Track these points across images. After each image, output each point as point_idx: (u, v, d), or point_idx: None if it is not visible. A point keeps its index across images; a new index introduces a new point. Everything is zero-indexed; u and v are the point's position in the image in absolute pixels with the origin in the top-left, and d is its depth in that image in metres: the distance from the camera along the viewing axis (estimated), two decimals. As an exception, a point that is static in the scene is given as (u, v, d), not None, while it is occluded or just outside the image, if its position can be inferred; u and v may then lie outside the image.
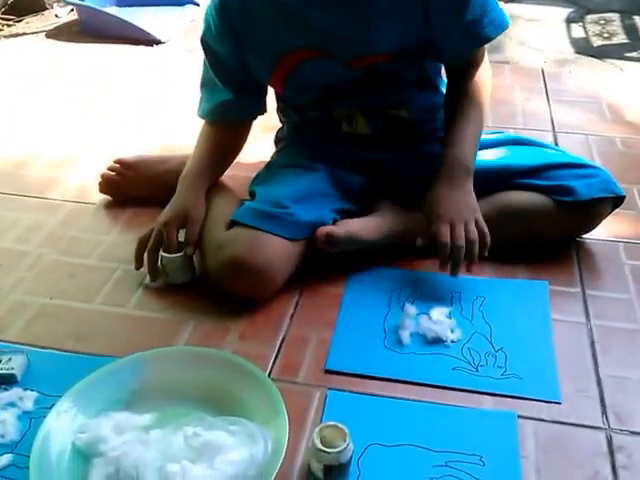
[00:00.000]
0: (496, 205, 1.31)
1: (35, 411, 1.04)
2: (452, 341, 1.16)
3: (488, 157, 1.38)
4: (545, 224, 1.32)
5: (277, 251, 1.22)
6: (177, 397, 1.04)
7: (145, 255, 1.30)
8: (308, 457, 0.94)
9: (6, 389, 1.08)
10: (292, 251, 1.25)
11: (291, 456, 0.95)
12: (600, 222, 1.35)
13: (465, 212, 1.21)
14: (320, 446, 0.90)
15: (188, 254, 1.29)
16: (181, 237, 1.31)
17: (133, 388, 1.05)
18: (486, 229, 1.20)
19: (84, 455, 0.95)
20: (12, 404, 1.05)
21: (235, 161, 1.48)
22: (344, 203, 1.36)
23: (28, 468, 0.94)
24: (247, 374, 1.05)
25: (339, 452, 0.90)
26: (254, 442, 0.89)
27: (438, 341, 1.16)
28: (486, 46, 1.31)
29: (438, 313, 1.19)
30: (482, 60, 1.33)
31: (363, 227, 1.30)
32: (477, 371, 1.10)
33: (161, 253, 1.28)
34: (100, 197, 1.63)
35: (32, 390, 1.08)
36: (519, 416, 1.03)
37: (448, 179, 1.24)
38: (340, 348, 1.16)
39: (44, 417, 1.00)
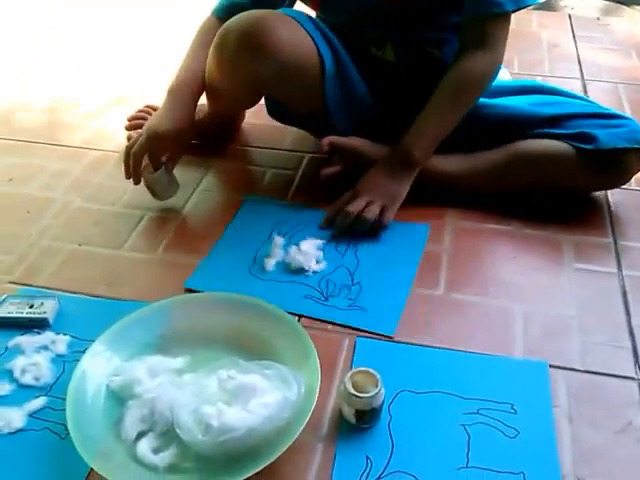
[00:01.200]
0: (511, 152, 1.29)
1: (68, 355, 1.05)
2: (314, 272, 1.19)
3: (510, 103, 1.35)
4: (563, 173, 1.27)
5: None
6: (207, 342, 1.04)
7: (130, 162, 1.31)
8: (339, 402, 0.95)
9: (39, 333, 1.09)
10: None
11: (322, 401, 0.95)
12: (630, 177, 1.29)
13: (380, 195, 1.24)
14: (352, 391, 0.91)
15: (168, 170, 1.31)
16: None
17: (164, 333, 1.05)
18: (386, 221, 1.25)
19: (118, 397, 0.96)
20: (45, 347, 1.06)
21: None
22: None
23: (63, 410, 0.95)
24: (277, 319, 1.05)
25: (371, 397, 0.91)
26: (288, 385, 0.89)
27: (300, 271, 1.19)
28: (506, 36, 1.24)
29: (308, 245, 1.22)
30: (489, 46, 1.23)
31: (365, 144, 1.34)
32: (326, 301, 1.14)
33: (143, 174, 1.29)
34: (123, 144, 1.62)
35: (64, 334, 1.08)
36: (551, 365, 1.02)
37: (386, 164, 1.27)
38: (206, 270, 1.21)
39: (78, 360, 1.01)
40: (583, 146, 1.23)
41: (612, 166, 1.25)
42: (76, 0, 2.28)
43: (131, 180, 1.33)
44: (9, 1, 2.15)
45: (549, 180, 1.29)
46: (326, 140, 1.30)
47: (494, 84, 1.30)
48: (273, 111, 1.48)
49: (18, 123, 1.78)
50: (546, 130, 1.28)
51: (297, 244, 1.23)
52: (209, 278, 1.19)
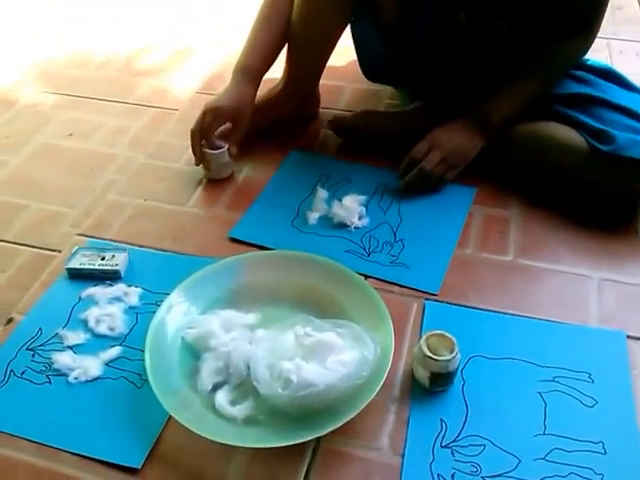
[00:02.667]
0: (533, 129, 1.24)
1: (141, 306, 1.06)
2: (356, 227, 1.19)
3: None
4: (576, 168, 1.18)
5: None
6: (277, 300, 1.04)
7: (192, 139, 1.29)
8: (413, 364, 0.94)
9: (111, 284, 1.09)
10: None
11: (393, 362, 0.94)
12: None
13: (452, 153, 1.24)
14: (429, 353, 0.90)
15: (232, 154, 1.30)
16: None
17: (234, 289, 1.05)
18: (451, 178, 1.26)
19: (193, 349, 0.96)
20: (118, 299, 1.07)
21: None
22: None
23: (138, 360, 0.96)
24: (347, 280, 1.04)
25: (448, 360, 0.90)
26: (364, 344, 0.89)
27: (342, 226, 1.19)
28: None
29: (351, 200, 1.22)
30: (591, 31, 1.23)
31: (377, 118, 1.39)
32: (368, 256, 1.14)
33: (203, 149, 1.28)
34: (183, 102, 1.62)
35: (136, 286, 1.09)
36: (628, 336, 1.00)
37: (465, 122, 1.26)
38: (250, 220, 1.22)
39: (150, 312, 1.02)
40: (598, 145, 1.14)
41: (627, 175, 1.13)
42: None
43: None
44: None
45: (554, 167, 1.22)
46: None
47: None
48: (368, 67, 1.44)
49: (71, 79, 1.78)
50: (573, 113, 1.21)
51: (340, 199, 1.22)
52: (252, 229, 1.20)
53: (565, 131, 1.20)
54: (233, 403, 0.89)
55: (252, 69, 1.30)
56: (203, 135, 1.28)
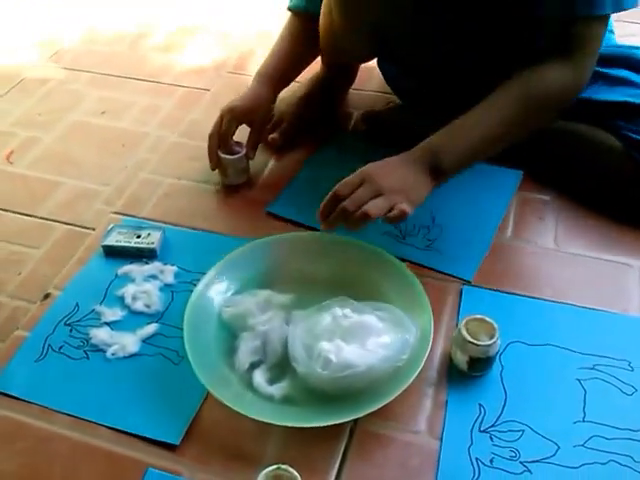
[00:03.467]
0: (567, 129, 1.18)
1: (176, 285, 1.06)
2: None
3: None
4: (614, 174, 1.13)
5: None
6: (313, 281, 1.03)
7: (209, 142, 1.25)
8: (451, 348, 0.94)
9: (147, 262, 1.10)
10: None
11: (431, 346, 0.93)
12: None
13: (389, 187, 0.93)
14: (469, 338, 0.89)
15: (250, 158, 1.26)
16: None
17: (269, 269, 1.05)
18: (399, 214, 0.92)
19: (229, 328, 0.96)
20: (154, 277, 1.07)
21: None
22: None
23: (175, 337, 0.96)
24: (385, 263, 1.03)
25: (488, 345, 0.89)
26: (404, 327, 0.88)
27: None
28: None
29: None
30: (576, 57, 0.98)
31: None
32: (404, 239, 1.12)
33: (220, 153, 1.24)
34: (215, 83, 1.61)
35: (172, 265, 1.09)
36: (668, 325, 0.99)
37: (410, 156, 0.99)
38: (287, 198, 1.22)
39: (186, 291, 1.02)
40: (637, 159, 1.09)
41: None
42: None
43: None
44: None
45: (604, 179, 1.16)
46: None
47: None
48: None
49: (103, 57, 1.77)
50: (612, 121, 1.13)
51: None
52: (290, 205, 1.20)
53: (604, 137, 1.15)
54: (270, 382, 0.90)
55: (268, 74, 1.29)
56: (221, 139, 1.24)
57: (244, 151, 1.25)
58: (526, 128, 1.03)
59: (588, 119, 1.17)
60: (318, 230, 1.07)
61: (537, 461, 0.84)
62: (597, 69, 1.11)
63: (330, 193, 0.96)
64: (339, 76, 1.45)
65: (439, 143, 0.99)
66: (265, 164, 1.33)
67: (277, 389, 0.88)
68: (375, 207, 0.91)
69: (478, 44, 1.10)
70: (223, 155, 1.24)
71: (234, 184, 1.27)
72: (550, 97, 1.00)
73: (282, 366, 0.91)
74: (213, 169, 1.26)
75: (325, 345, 0.86)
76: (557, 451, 0.84)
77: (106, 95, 1.62)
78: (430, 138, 1.00)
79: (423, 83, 1.27)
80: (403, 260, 1.07)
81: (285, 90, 1.35)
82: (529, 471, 0.83)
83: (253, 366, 0.92)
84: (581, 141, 1.18)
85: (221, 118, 1.24)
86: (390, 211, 0.92)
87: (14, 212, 1.27)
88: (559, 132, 1.19)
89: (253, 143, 1.27)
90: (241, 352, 0.91)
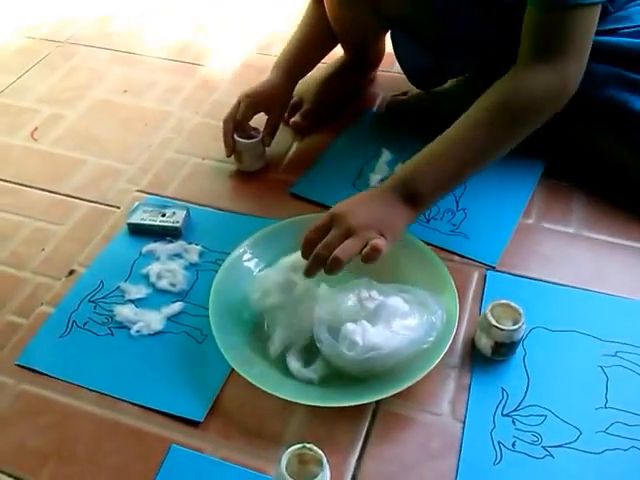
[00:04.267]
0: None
1: (201, 264, 1.07)
2: None
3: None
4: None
5: None
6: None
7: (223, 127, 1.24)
8: (476, 332, 0.94)
9: (171, 241, 1.10)
10: None
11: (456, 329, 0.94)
12: None
13: (358, 224, 0.87)
14: (494, 322, 0.89)
15: (266, 144, 1.25)
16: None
17: (296, 250, 1.04)
18: (373, 252, 0.85)
19: (253, 308, 0.96)
20: (179, 255, 1.08)
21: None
22: None
23: (199, 316, 0.97)
24: (410, 246, 1.03)
25: (513, 330, 0.89)
26: (430, 309, 0.88)
27: None
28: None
29: None
30: (561, 57, 0.90)
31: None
32: (428, 223, 1.13)
33: (236, 137, 1.23)
34: (239, 64, 1.61)
35: (196, 244, 1.09)
36: (693, 315, 0.98)
37: (379, 189, 0.95)
38: (312, 178, 1.23)
39: (210, 270, 1.03)
40: None
41: None
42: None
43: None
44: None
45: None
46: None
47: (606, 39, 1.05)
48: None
49: (125, 36, 1.77)
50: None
51: (404, 162, 1.19)
52: (313, 186, 1.20)
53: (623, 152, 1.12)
54: (305, 365, 0.90)
55: (286, 62, 1.29)
56: (237, 124, 1.23)
57: (260, 136, 1.24)
58: (508, 144, 0.95)
59: (602, 124, 1.14)
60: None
61: (559, 446, 0.84)
62: (625, 73, 1.08)
63: (301, 240, 0.90)
64: (360, 59, 1.44)
65: (411, 170, 0.94)
66: (289, 147, 1.33)
67: (312, 372, 0.88)
68: (344, 251, 0.85)
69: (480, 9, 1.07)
70: (239, 139, 1.23)
71: (250, 170, 1.26)
72: (534, 105, 0.92)
73: (311, 347, 0.91)
74: (229, 155, 1.24)
75: (351, 327, 0.86)
76: (579, 437, 0.85)
77: (128, 73, 1.63)
78: (399, 168, 0.98)
79: (435, 58, 1.23)
80: (427, 244, 1.07)
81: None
82: (551, 455, 0.83)
83: (286, 349, 0.92)
84: (601, 155, 1.16)
85: (238, 103, 1.24)
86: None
87: (38, 189, 1.28)
88: (581, 139, 1.18)
89: (270, 129, 1.26)
90: (275, 338, 0.91)
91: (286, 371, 0.89)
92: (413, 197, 0.92)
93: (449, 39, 1.16)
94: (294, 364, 0.89)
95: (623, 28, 1.10)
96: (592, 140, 1.17)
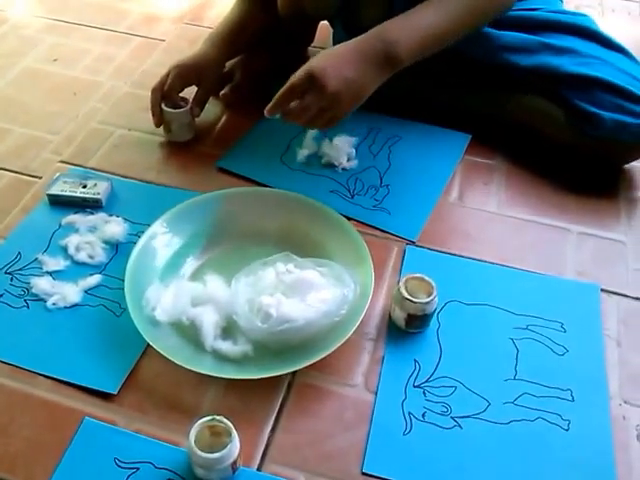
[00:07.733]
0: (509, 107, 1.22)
1: (121, 236, 1.05)
2: (343, 168, 1.19)
3: (530, 45, 1.17)
4: (559, 139, 1.19)
5: None
6: (259, 236, 1.03)
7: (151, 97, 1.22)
8: (391, 305, 0.95)
9: (92, 213, 1.09)
10: None
11: (371, 303, 0.95)
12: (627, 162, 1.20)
13: (334, 92, 0.96)
14: (407, 295, 0.91)
15: (195, 115, 1.24)
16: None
17: (217, 223, 1.05)
18: (331, 126, 1.03)
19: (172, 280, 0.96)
20: (98, 227, 1.06)
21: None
22: None
23: (118, 289, 0.96)
24: (330, 221, 1.04)
25: (426, 303, 0.91)
26: (344, 283, 0.90)
27: (330, 165, 1.19)
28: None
29: (341, 141, 1.20)
30: None
31: None
32: (352, 198, 1.14)
33: (164, 107, 1.21)
34: (171, 34, 1.58)
35: (117, 216, 1.08)
36: (601, 289, 1.01)
37: (361, 45, 0.99)
38: (239, 151, 1.22)
39: (131, 243, 1.02)
40: (585, 130, 1.12)
41: (612, 153, 1.17)
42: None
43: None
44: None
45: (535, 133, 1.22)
46: None
47: (529, 14, 1.17)
48: None
49: (59, 3, 1.72)
50: (561, 91, 1.14)
51: (331, 138, 1.21)
52: (241, 161, 1.20)
53: (547, 106, 1.18)
54: (217, 337, 0.90)
55: (219, 35, 1.26)
56: (165, 95, 1.21)
57: (189, 106, 1.22)
58: (468, 29, 1.05)
59: (534, 88, 1.19)
60: (268, 187, 1.09)
61: (467, 416, 0.86)
62: (542, 39, 1.15)
63: (281, 91, 0.99)
64: (295, 35, 1.43)
65: (396, 32, 0.99)
66: (218, 119, 1.32)
67: (231, 346, 0.89)
68: (310, 124, 1.02)
69: None
70: (166, 109, 1.21)
71: (178, 141, 1.25)
72: (491, 6, 1.06)
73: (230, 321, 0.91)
74: (157, 125, 1.22)
75: (265, 299, 0.87)
76: (487, 407, 0.87)
77: (60, 42, 1.58)
78: (382, 27, 1.00)
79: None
80: (350, 219, 1.08)
81: None
82: (459, 426, 0.85)
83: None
84: (528, 111, 1.21)
85: (167, 74, 1.22)
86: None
87: (-42, 158, 1.24)
88: (508, 100, 1.22)
89: (199, 100, 1.24)
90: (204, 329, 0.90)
91: (203, 346, 0.89)
92: (392, 60, 0.99)
93: None
94: (222, 344, 0.89)
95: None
96: (525, 106, 1.21)
